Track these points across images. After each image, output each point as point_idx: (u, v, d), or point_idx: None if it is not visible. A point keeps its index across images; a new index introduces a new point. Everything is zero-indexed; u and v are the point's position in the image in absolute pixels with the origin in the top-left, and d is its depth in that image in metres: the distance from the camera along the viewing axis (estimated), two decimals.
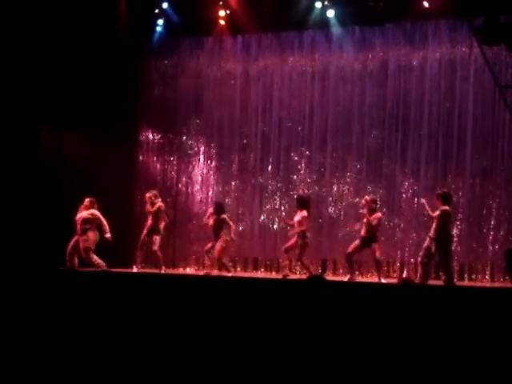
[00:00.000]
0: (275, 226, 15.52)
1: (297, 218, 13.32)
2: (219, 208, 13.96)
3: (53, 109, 14.53)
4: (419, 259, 12.32)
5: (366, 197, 13.25)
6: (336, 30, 15.13)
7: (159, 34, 16.34)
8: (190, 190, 16.36)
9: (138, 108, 16.42)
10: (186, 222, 16.15)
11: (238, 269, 15.43)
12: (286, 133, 15.64)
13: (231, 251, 14.86)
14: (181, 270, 15.72)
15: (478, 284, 13.44)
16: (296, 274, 14.65)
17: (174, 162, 16.47)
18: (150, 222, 13.91)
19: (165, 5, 15.93)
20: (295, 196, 14.60)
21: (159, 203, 13.98)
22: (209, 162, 16.28)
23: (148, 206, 13.93)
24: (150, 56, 16.52)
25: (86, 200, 13.51)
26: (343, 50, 15.19)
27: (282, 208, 15.49)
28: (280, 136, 15.67)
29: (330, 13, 14.88)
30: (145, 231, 13.96)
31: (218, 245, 13.67)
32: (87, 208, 13.47)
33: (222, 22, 15.68)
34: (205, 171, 16.28)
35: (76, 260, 13.63)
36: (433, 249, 12.05)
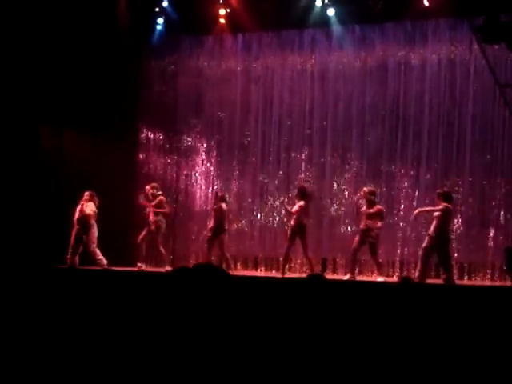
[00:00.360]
0: (276, 222, 15.50)
1: (295, 208, 13.36)
2: (219, 197, 13.98)
3: (53, 108, 14.53)
4: (420, 258, 12.31)
5: (365, 188, 13.26)
6: (336, 28, 15.13)
7: (159, 33, 16.33)
8: (189, 188, 16.37)
9: (137, 107, 16.41)
10: (186, 220, 16.16)
11: (238, 267, 15.44)
12: (286, 131, 15.65)
13: (231, 249, 14.87)
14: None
15: (478, 283, 13.45)
16: (296, 272, 14.66)
17: (174, 161, 16.47)
18: (152, 216, 13.93)
19: (165, 3, 15.91)
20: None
21: (160, 197, 14.04)
22: (209, 160, 16.28)
23: (147, 199, 13.97)
24: (150, 55, 16.51)
25: (86, 194, 13.61)
26: (343, 48, 15.19)
27: (283, 207, 15.47)
28: (280, 134, 15.68)
29: (330, 11, 14.88)
30: (146, 230, 14.02)
31: (222, 238, 13.73)
32: (87, 201, 13.57)
33: (222, 21, 15.67)
34: (205, 170, 16.29)
35: (77, 258, 13.65)
36: (432, 247, 12.05)
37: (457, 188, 14.14)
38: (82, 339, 4.98)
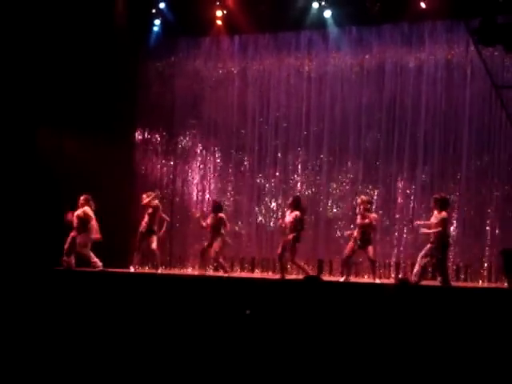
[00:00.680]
0: (272, 225, 15.50)
1: (288, 218, 13.24)
2: (217, 207, 13.99)
3: (50, 109, 14.52)
4: (418, 261, 12.22)
5: (363, 196, 13.27)
6: (333, 30, 15.13)
7: (156, 34, 16.33)
8: (186, 190, 16.36)
9: (135, 108, 16.41)
10: (183, 222, 16.14)
11: (236, 269, 15.43)
12: (282, 133, 15.65)
13: (228, 251, 14.86)
14: (177, 271, 15.71)
15: (475, 284, 13.45)
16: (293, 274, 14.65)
17: (172, 163, 16.47)
18: (146, 221, 13.90)
19: (162, 5, 15.91)
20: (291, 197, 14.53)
21: (156, 203, 14.01)
22: (206, 162, 16.27)
23: (145, 202, 13.96)
24: (147, 56, 16.50)
25: (81, 198, 13.58)
26: (340, 50, 15.19)
27: (279, 209, 15.48)
28: (277, 136, 15.68)
29: (327, 13, 14.89)
30: (140, 231, 13.98)
31: (216, 245, 13.67)
32: (82, 206, 13.56)
33: (219, 22, 15.68)
34: (202, 172, 16.28)
35: (73, 260, 13.64)
36: (432, 255, 12.02)
37: (453, 190, 14.14)
38: (79, 339, 4.98)
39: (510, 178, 13.88)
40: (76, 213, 13.56)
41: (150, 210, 13.87)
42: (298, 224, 13.02)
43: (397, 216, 14.61)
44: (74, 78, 14.67)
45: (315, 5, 14.86)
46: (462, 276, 13.93)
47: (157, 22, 16.14)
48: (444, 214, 12.03)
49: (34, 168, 14.39)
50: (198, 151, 16.35)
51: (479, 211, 14.07)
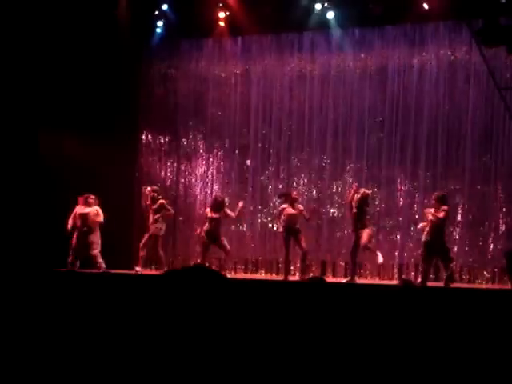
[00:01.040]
0: (275, 227, 15.52)
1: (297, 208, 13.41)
2: (218, 204, 13.79)
3: (53, 110, 14.55)
4: (420, 262, 12.27)
5: (364, 190, 13.16)
6: (336, 31, 15.14)
7: (159, 36, 16.35)
8: (189, 191, 16.38)
9: (138, 110, 16.44)
10: (186, 223, 16.16)
11: (239, 270, 15.44)
12: (285, 134, 15.67)
13: (231, 252, 14.85)
14: None
15: (478, 285, 13.46)
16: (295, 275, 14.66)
17: (174, 164, 16.48)
18: (151, 219, 13.84)
19: (164, 6, 15.93)
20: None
21: (161, 200, 13.96)
22: (209, 163, 16.29)
23: (148, 202, 13.89)
24: (150, 58, 16.52)
25: (91, 196, 13.64)
26: (343, 51, 15.20)
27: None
28: (280, 137, 15.70)
29: (330, 14, 14.89)
30: (147, 234, 13.94)
31: (225, 246, 13.68)
32: (91, 205, 13.60)
33: (222, 24, 15.68)
34: (205, 173, 16.29)
35: (78, 262, 13.65)
36: (430, 252, 12.07)
37: (456, 191, 14.15)
38: (81, 341, 4.99)
39: None
40: (87, 210, 13.54)
41: (157, 207, 13.89)
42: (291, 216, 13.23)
43: (399, 217, 14.62)
44: (78, 79, 14.70)
45: (318, 6, 14.86)
46: (466, 277, 13.93)
47: (160, 23, 16.15)
48: (445, 207, 12.10)
49: (37, 169, 14.42)
50: (201, 152, 16.36)
51: (483, 212, 14.07)
